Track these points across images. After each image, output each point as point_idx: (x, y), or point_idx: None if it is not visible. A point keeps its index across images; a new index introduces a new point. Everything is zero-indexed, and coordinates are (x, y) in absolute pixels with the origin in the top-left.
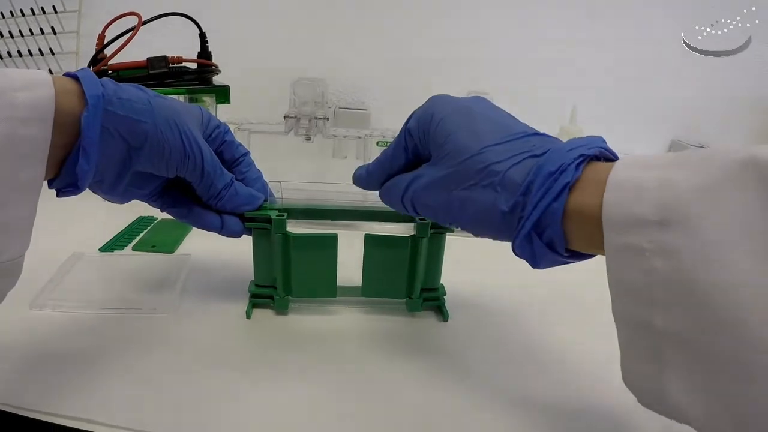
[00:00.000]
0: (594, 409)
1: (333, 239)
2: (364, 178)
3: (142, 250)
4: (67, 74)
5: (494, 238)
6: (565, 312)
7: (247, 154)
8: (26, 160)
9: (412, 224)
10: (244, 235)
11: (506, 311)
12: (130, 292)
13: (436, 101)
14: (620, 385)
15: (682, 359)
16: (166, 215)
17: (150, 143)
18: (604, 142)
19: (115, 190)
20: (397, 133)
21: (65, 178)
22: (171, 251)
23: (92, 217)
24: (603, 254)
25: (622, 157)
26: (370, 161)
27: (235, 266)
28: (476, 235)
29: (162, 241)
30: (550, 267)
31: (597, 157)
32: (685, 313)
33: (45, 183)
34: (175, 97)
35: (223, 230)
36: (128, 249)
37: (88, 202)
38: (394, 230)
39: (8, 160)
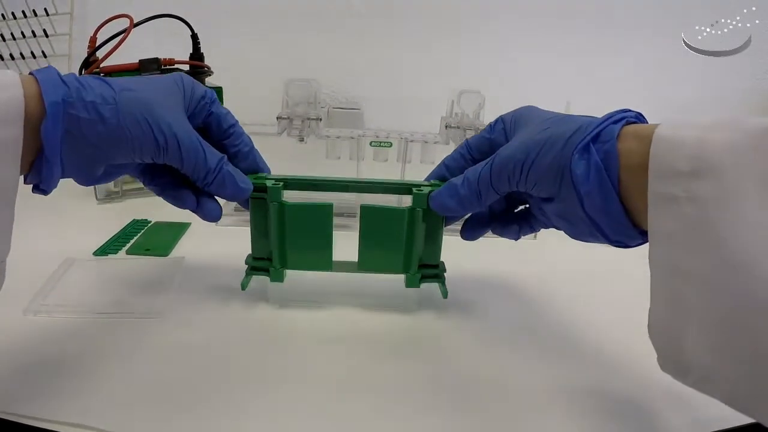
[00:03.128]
0: (607, 400)
1: (328, 208)
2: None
3: (136, 254)
4: (32, 73)
5: (552, 176)
6: (571, 302)
7: (235, 124)
8: (0, 161)
9: (408, 197)
10: (240, 226)
11: (510, 304)
12: (124, 295)
13: (524, 108)
14: (630, 370)
15: (700, 301)
16: (160, 218)
17: (118, 143)
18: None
19: (89, 182)
20: (391, 133)
21: (35, 177)
22: (165, 254)
23: (86, 221)
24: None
25: (666, 118)
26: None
27: (229, 269)
28: (535, 181)
29: (156, 244)
30: (597, 197)
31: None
32: (704, 254)
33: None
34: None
35: (198, 211)
36: (122, 253)
37: (81, 206)
38: (390, 201)
39: None
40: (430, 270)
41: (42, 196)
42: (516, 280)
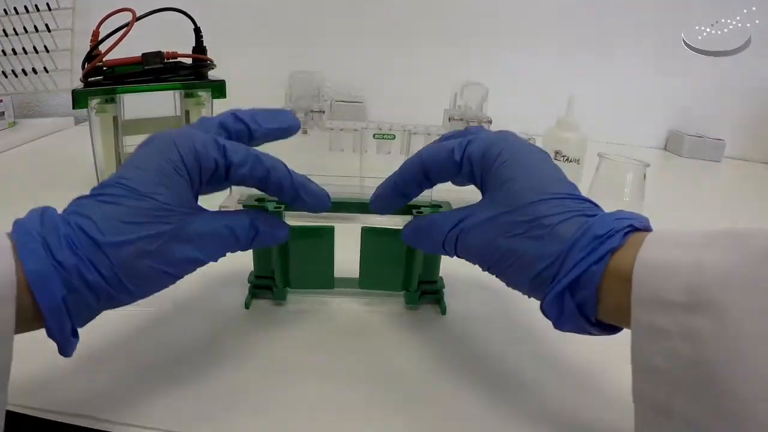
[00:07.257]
0: (596, 405)
1: (330, 231)
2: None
3: None
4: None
5: (524, 292)
6: None
7: (268, 173)
8: None
9: (409, 217)
10: None
11: (506, 303)
12: None
13: (506, 139)
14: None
15: None
16: None
17: (126, 298)
18: (648, 221)
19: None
20: (394, 125)
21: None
22: None
23: None
24: (628, 328)
25: (654, 233)
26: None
27: (233, 262)
28: (508, 284)
29: None
30: (573, 332)
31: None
32: (698, 397)
33: None
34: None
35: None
36: None
37: None
38: (391, 223)
39: None
40: (429, 286)
41: (48, 184)
42: None
